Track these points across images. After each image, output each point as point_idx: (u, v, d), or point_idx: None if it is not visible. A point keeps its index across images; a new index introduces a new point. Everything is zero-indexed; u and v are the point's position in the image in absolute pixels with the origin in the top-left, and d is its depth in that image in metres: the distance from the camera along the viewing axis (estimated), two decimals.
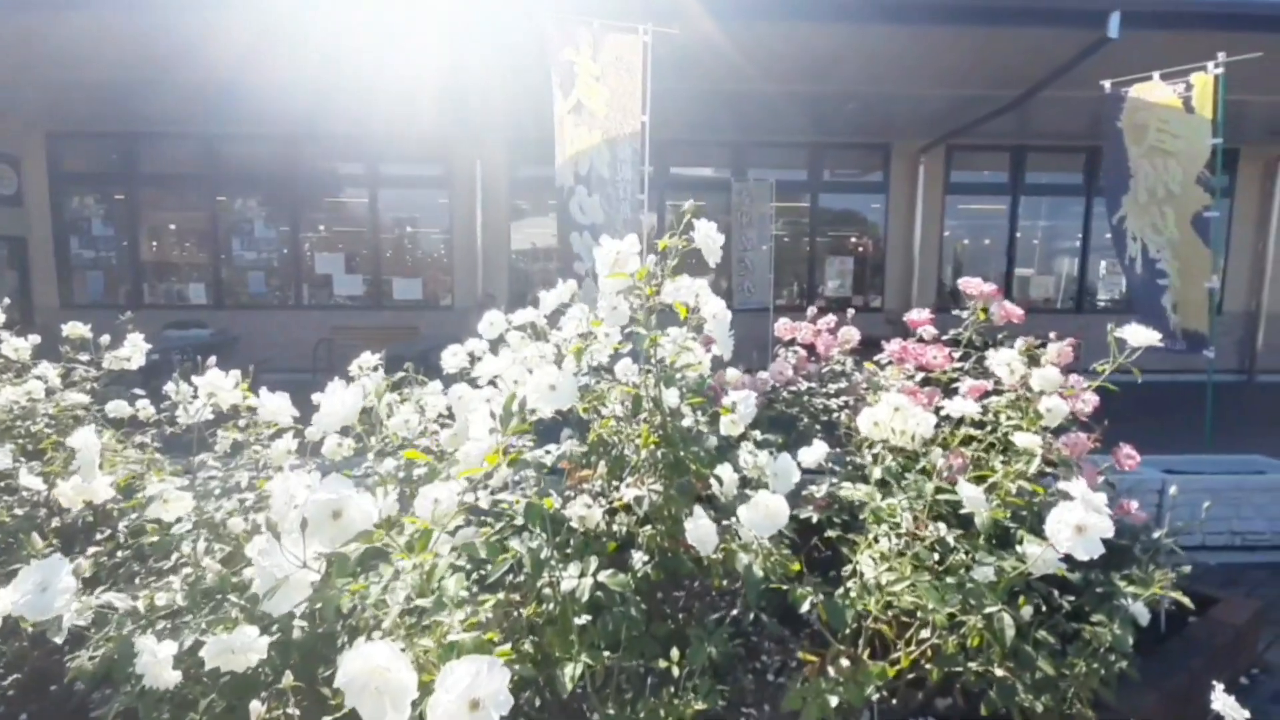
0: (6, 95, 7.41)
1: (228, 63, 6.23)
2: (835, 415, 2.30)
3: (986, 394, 1.94)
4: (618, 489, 1.27)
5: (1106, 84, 5.01)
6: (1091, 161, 8.87)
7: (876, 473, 1.42)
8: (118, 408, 1.83)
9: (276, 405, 1.34)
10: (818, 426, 2.28)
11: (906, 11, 5.28)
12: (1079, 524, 1.04)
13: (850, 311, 2.84)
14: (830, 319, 2.57)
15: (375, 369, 1.99)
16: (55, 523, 1.78)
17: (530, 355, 1.27)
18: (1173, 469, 3.94)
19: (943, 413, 1.66)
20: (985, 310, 2.06)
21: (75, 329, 2.31)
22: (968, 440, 1.88)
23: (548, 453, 1.33)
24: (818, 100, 7.44)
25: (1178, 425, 5.02)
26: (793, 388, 2.46)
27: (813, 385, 2.37)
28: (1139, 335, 1.43)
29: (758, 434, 1.60)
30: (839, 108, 7.76)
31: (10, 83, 6.93)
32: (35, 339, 2.16)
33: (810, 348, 2.55)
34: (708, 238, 1.25)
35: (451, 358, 1.80)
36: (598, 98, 3.88)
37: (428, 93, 7.09)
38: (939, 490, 1.38)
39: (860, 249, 9.72)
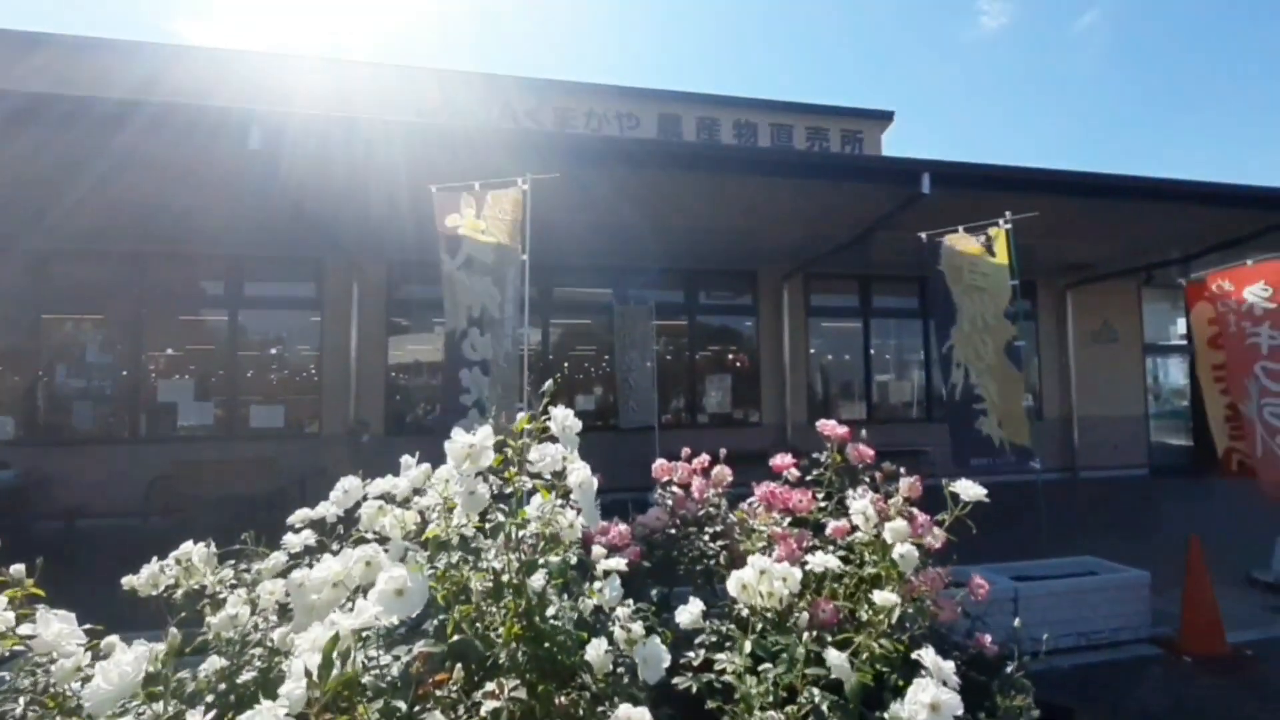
0: None
1: (63, 174, 5.83)
2: (711, 561, 2.30)
3: (850, 531, 2.03)
4: (477, 695, 1.15)
5: (924, 235, 5.87)
6: (924, 290, 10.19)
7: (747, 646, 1.40)
8: None
9: (58, 631, 1.11)
10: (698, 569, 2.26)
11: (755, 165, 6.00)
12: (932, 702, 1.07)
13: (686, 449, 2.92)
14: (704, 458, 2.63)
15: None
16: None
17: (367, 555, 1.16)
18: (1020, 574, 4.28)
19: (808, 567, 1.70)
20: (840, 452, 2.20)
21: None
22: (838, 578, 1.94)
23: (396, 659, 1.19)
24: (690, 231, 8.09)
25: (1021, 526, 5.51)
26: (670, 530, 2.45)
27: (690, 530, 2.37)
28: (969, 491, 1.58)
29: (628, 605, 1.55)
30: (708, 239, 8.48)
31: None
32: None
33: (686, 486, 2.58)
34: (564, 426, 1.25)
35: (295, 536, 1.62)
36: (484, 250, 4.05)
37: (301, 215, 6.96)
38: (808, 660, 1.38)
39: (738, 365, 10.29)
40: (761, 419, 9.91)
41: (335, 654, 0.83)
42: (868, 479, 2.25)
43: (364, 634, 1.05)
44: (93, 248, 7.83)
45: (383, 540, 1.63)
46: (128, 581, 1.66)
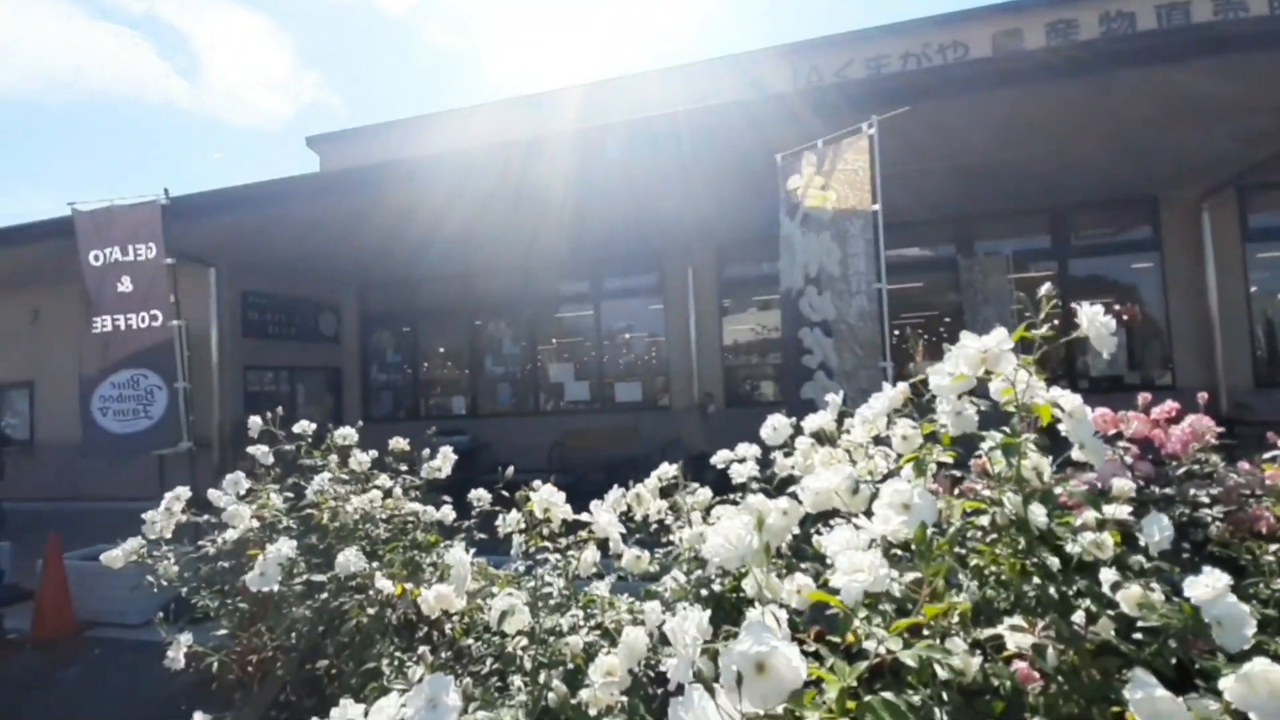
0: (330, 260, 9.63)
1: (474, 217, 7.50)
2: (1206, 530, 1.80)
3: None
4: (983, 631, 1.06)
5: None
6: None
7: None
8: (443, 514, 2.05)
9: (607, 520, 1.37)
10: (1185, 544, 1.80)
11: (1183, 48, 4.62)
12: None
13: (1145, 395, 2.28)
14: (1168, 405, 2.09)
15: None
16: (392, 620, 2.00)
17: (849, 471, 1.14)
18: None
19: None
20: None
21: (399, 444, 2.71)
22: None
23: (893, 580, 1.16)
24: (1059, 161, 6.71)
25: None
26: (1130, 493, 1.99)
27: (1165, 492, 1.89)
28: None
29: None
30: (1082, 167, 6.92)
31: (333, 251, 9.02)
32: (373, 453, 2.55)
33: (1144, 442, 2.08)
34: (1097, 323, 1.05)
35: (739, 465, 1.74)
36: (825, 206, 3.93)
37: (645, 215, 7.80)
38: None
39: (1127, 319, 8.24)
40: (1175, 383, 7.76)
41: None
42: None
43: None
44: (500, 266, 9.98)
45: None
46: (608, 502, 2.00)
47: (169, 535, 1.98)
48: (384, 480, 2.29)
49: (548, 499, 1.50)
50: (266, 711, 2.57)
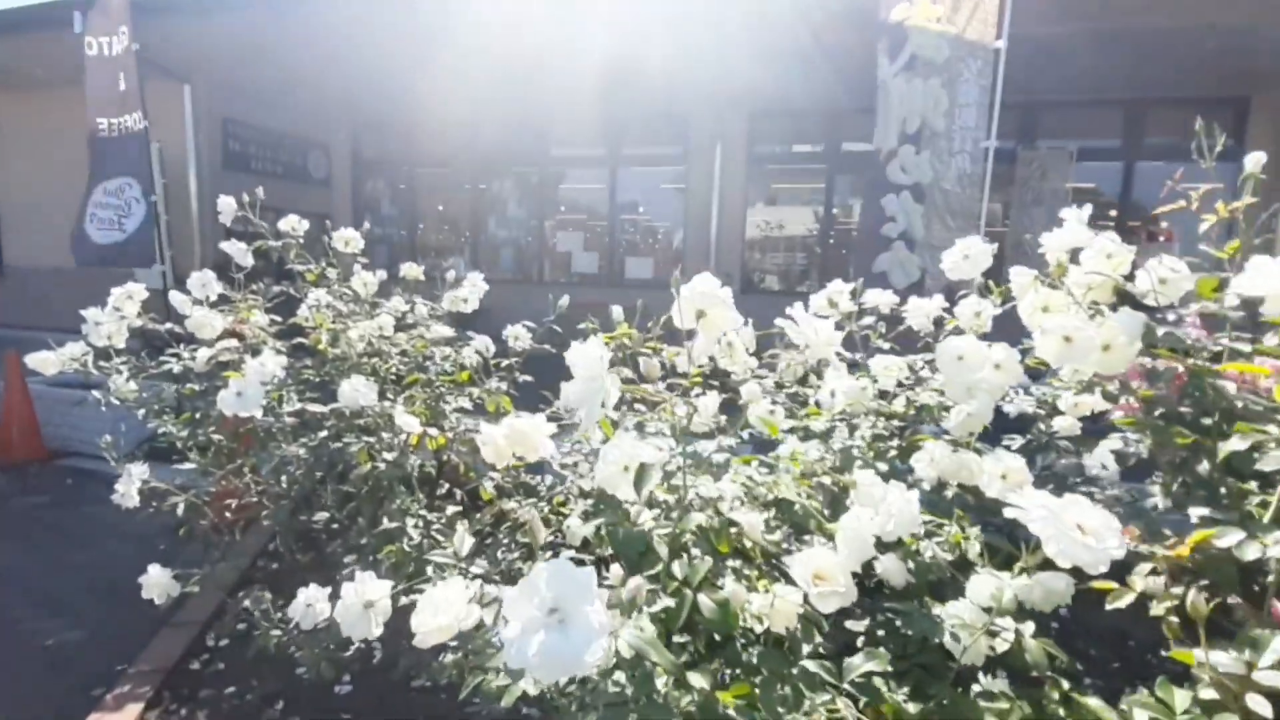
0: (319, 90, 8.63)
1: (479, 51, 6.58)
2: None
3: None
4: None
5: None
6: None
7: None
8: (481, 346, 1.62)
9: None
10: None
11: None
12: None
13: None
14: None
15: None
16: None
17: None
18: None
19: None
20: None
21: (411, 270, 2.24)
22: None
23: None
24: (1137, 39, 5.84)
25: None
26: None
27: None
28: None
29: None
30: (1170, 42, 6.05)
31: (322, 78, 8.03)
32: (381, 274, 2.09)
33: None
34: None
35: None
36: (936, 42, 3.22)
37: (671, 66, 6.90)
38: None
39: (1163, 239, 7.64)
40: None
41: None
42: None
43: None
44: (509, 118, 9.03)
45: None
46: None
47: (120, 345, 1.54)
48: (396, 303, 1.83)
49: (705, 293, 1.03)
50: (253, 562, 2.25)
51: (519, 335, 1.72)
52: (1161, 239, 7.76)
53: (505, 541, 1.18)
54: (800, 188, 8.64)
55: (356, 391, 1.31)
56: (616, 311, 1.43)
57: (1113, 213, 7.57)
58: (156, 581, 1.33)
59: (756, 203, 8.67)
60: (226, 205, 1.77)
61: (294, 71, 7.87)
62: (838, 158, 8.27)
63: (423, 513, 1.18)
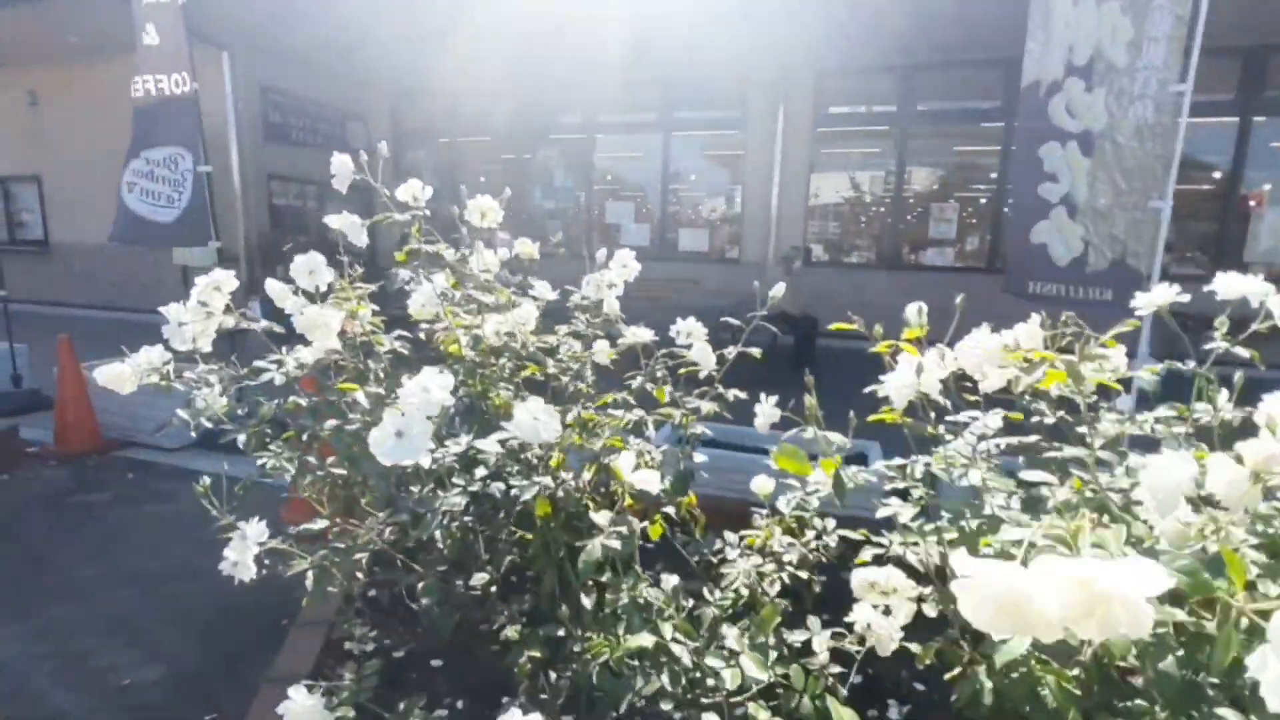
0: (356, 58, 8.22)
1: (523, 30, 6.11)
2: None
3: None
4: None
5: None
6: None
7: None
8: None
9: None
10: None
11: None
12: None
13: None
14: None
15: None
16: None
17: None
18: None
19: None
20: None
21: (526, 247, 1.87)
22: None
23: None
24: None
25: None
26: None
27: None
28: None
29: None
30: None
31: (360, 42, 7.62)
32: (504, 252, 1.73)
33: None
34: None
35: None
36: None
37: (729, 20, 6.36)
38: None
39: (1254, 204, 6.88)
40: None
41: None
42: None
43: None
44: (549, 82, 8.55)
45: None
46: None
47: (207, 348, 1.21)
48: (543, 288, 1.47)
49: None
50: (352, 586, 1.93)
51: (692, 332, 1.34)
52: (1253, 203, 7.01)
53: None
54: (870, 152, 8.03)
55: (537, 422, 0.95)
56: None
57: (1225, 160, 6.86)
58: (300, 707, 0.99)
59: (822, 169, 8.10)
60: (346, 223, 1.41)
61: (332, 38, 7.48)
62: (913, 119, 7.66)
63: (657, 597, 0.82)
